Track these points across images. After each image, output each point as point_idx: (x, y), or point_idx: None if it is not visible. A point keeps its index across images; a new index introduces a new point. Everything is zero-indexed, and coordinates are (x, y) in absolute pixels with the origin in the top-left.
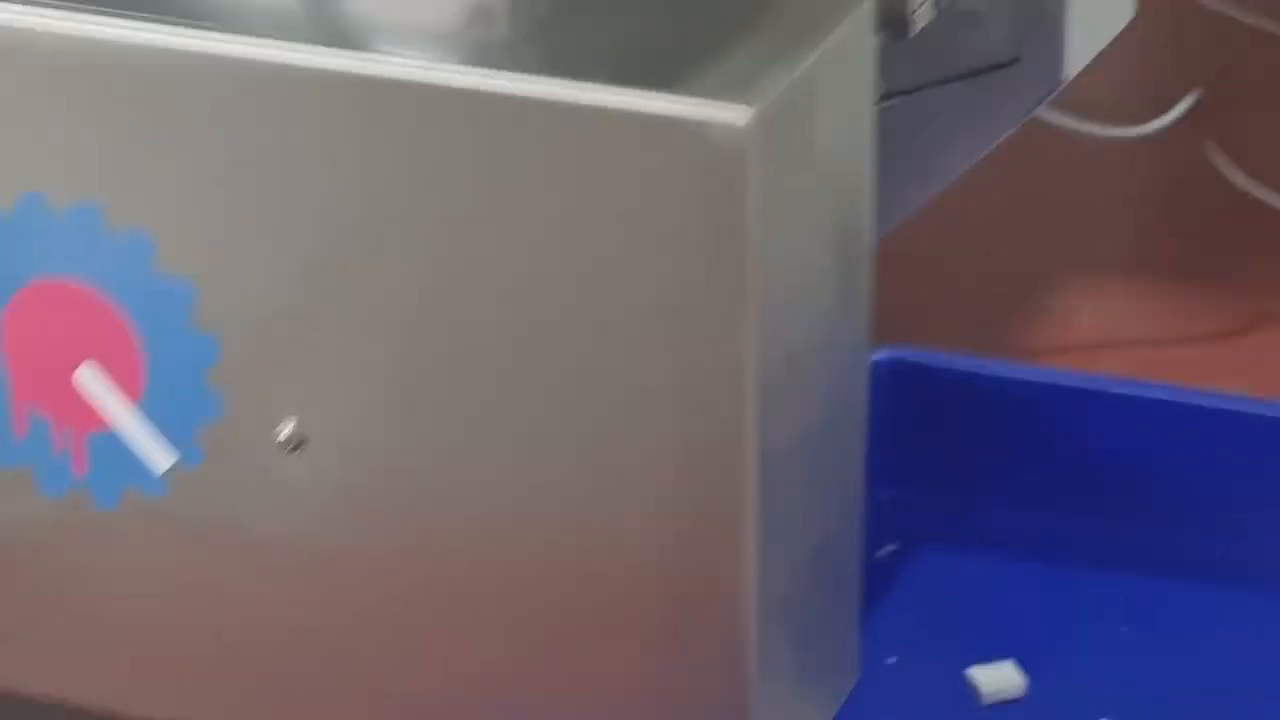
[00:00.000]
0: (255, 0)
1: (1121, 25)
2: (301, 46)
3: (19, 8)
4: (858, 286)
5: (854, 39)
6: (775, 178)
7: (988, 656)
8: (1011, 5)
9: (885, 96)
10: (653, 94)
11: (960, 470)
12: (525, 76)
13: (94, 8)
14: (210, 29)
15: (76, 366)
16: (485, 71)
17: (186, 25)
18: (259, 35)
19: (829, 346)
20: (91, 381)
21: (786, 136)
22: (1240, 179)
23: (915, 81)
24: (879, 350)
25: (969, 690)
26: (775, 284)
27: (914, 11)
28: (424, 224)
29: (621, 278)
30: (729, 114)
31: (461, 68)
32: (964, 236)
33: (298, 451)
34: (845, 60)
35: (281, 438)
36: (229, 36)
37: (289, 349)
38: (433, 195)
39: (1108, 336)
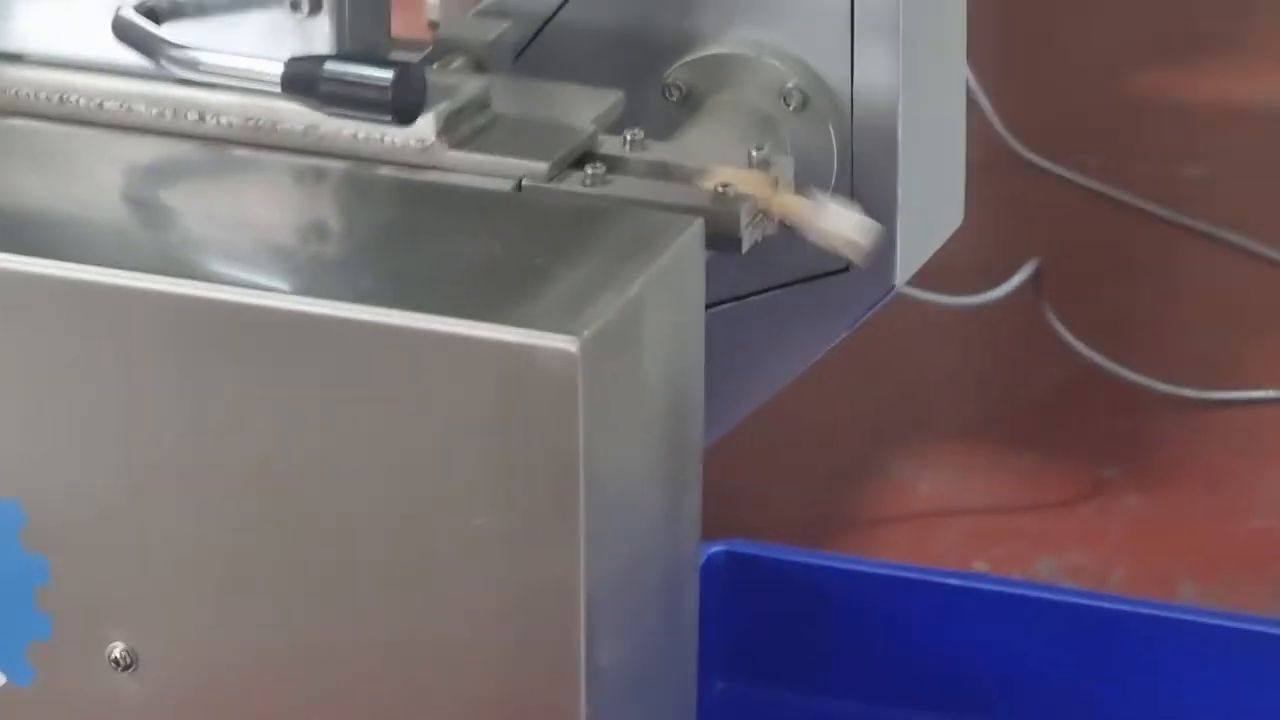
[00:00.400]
0: (95, 220)
1: (951, 230)
2: (126, 271)
3: None
4: (689, 490)
5: (684, 258)
6: (604, 399)
7: None
8: None
9: (717, 302)
10: (484, 322)
11: (795, 661)
12: (355, 304)
13: None
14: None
15: None
16: (316, 299)
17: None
18: (93, 257)
19: (660, 553)
20: None
21: (615, 358)
22: (1079, 345)
23: (746, 288)
24: (714, 543)
25: None
26: (604, 500)
27: (745, 228)
28: (256, 444)
29: (453, 493)
30: (558, 342)
31: (298, 296)
32: (805, 403)
33: (129, 670)
34: (674, 279)
35: (113, 656)
36: (57, 263)
37: (118, 569)
38: (265, 416)
39: (947, 505)
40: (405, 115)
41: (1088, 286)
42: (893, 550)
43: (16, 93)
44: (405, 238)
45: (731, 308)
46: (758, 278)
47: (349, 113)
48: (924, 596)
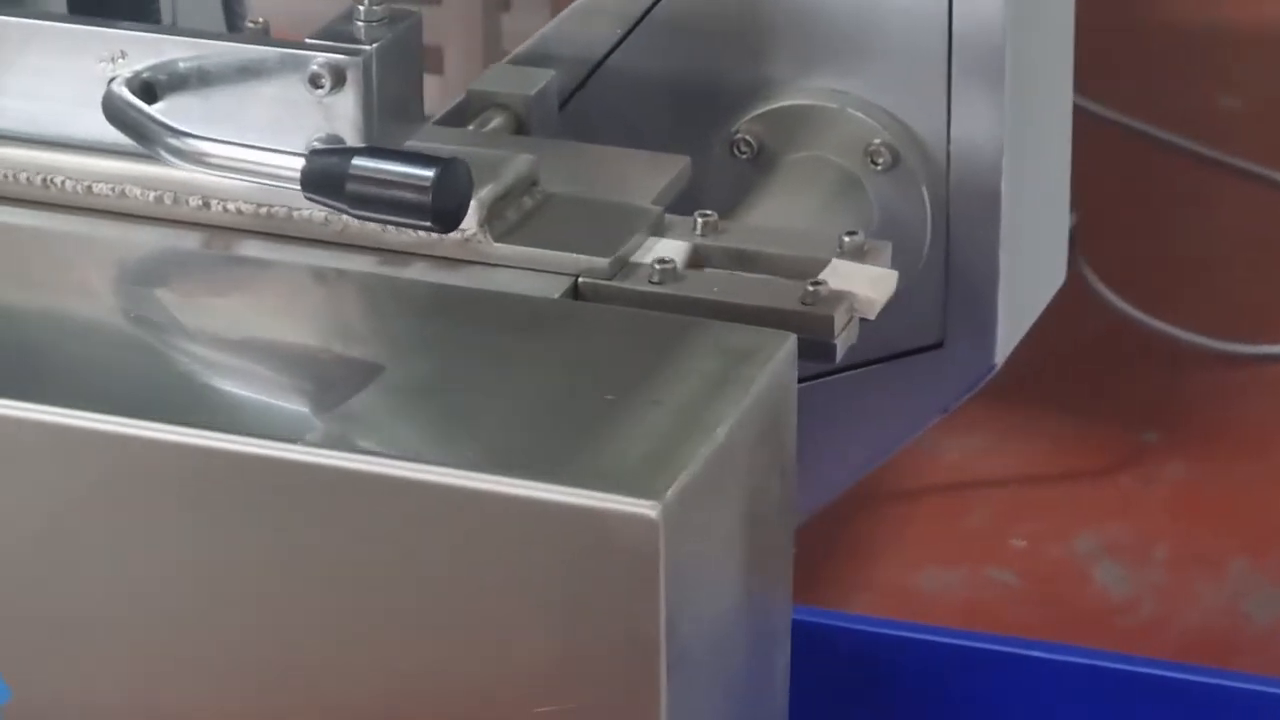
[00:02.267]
0: (86, 344)
1: (1053, 292)
2: (128, 418)
3: None
4: (777, 644)
5: (777, 385)
6: (688, 565)
7: None
8: (935, 287)
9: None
10: (548, 482)
11: None
12: (393, 459)
13: None
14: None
15: None
16: (347, 453)
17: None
18: (87, 399)
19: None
20: None
21: (701, 516)
22: (1115, 299)
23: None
24: None
25: None
26: (689, 678)
27: (840, 334)
28: (282, 616)
29: (513, 677)
30: (637, 507)
31: (327, 450)
32: None
33: None
34: (767, 410)
35: None
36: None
37: None
38: (287, 584)
39: (979, 474)
40: (447, 221)
41: (1122, 235)
42: (923, 526)
43: None
44: (447, 365)
45: (818, 384)
46: (845, 353)
47: (381, 217)
48: (986, 667)
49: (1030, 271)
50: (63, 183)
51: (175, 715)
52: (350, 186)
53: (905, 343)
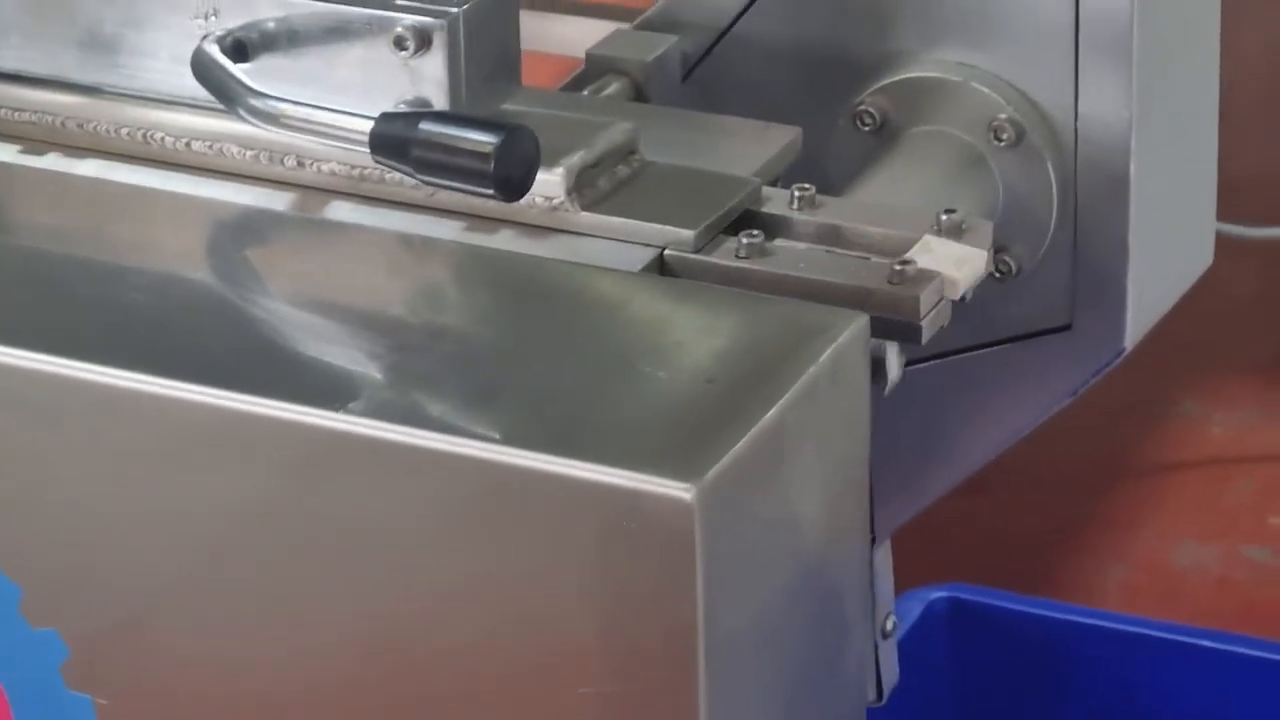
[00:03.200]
0: (168, 309)
1: (1197, 275)
2: (208, 386)
3: None
4: (850, 628)
5: (843, 365)
6: (730, 550)
7: None
8: (1063, 267)
9: (918, 360)
10: (582, 460)
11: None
12: (424, 429)
13: None
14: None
15: None
16: (383, 422)
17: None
18: (167, 366)
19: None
20: None
21: (746, 500)
22: None
23: (957, 343)
24: (934, 588)
25: None
26: (731, 666)
27: (927, 317)
28: (373, 578)
29: (553, 658)
30: (671, 488)
31: (365, 419)
32: None
33: None
34: (830, 390)
35: None
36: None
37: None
38: (341, 558)
39: (1241, 450)
40: (510, 189)
41: None
42: (1181, 500)
43: (95, 128)
44: (509, 338)
45: (941, 364)
46: (970, 333)
47: (445, 183)
48: (1166, 654)
49: (1166, 254)
50: (162, 139)
51: (223, 674)
52: (415, 151)
53: (1033, 324)
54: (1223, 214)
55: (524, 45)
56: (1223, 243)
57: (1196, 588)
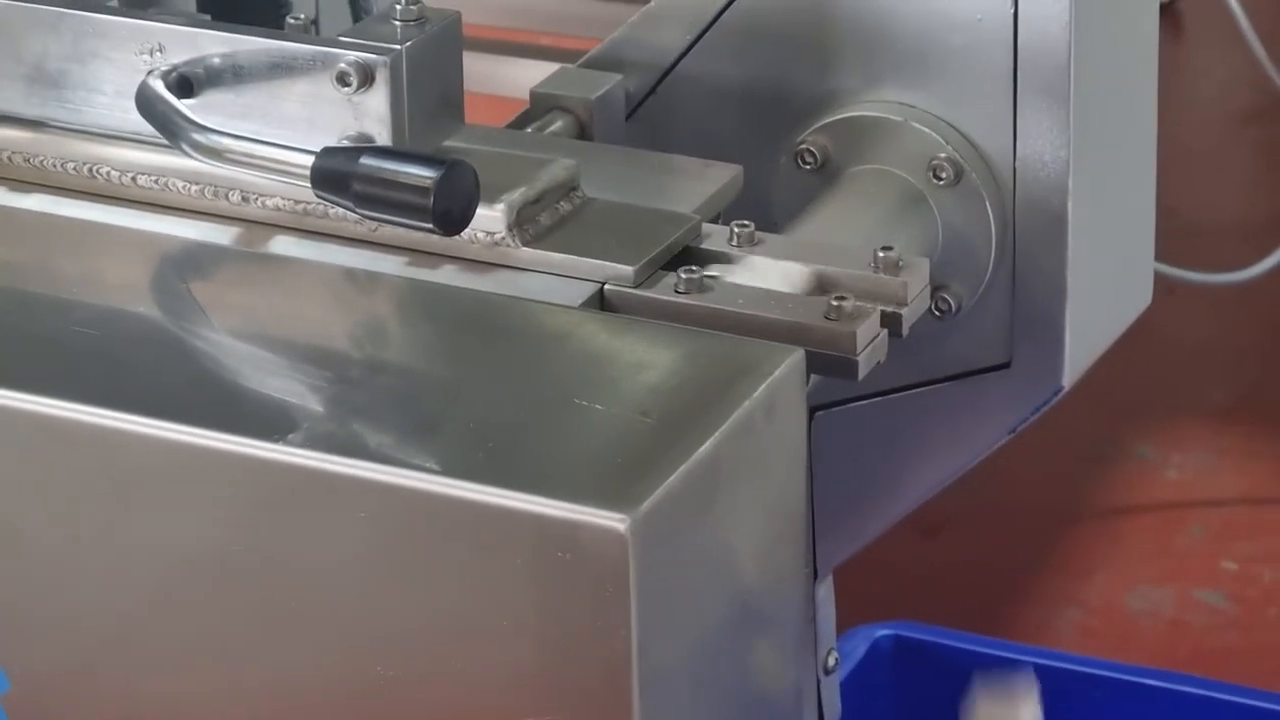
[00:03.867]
0: (118, 344)
1: (1135, 315)
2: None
3: None
4: (791, 659)
5: (778, 399)
6: (666, 581)
7: None
8: (1001, 305)
9: (864, 396)
10: (517, 490)
11: None
12: (367, 461)
13: None
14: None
15: None
16: (324, 454)
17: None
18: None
19: None
20: None
21: (681, 532)
22: None
23: (896, 381)
24: (879, 625)
25: None
26: (668, 698)
27: (863, 352)
28: (312, 610)
29: (492, 690)
30: (605, 519)
31: (307, 451)
32: None
33: None
34: (765, 425)
35: None
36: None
37: None
38: (319, 581)
39: (1195, 493)
40: (449, 224)
41: None
42: (1136, 543)
43: (41, 162)
44: (450, 371)
45: (881, 402)
46: (910, 371)
47: (386, 218)
48: (1117, 694)
49: (1104, 294)
50: (108, 173)
51: (169, 708)
52: (356, 186)
53: (973, 362)
54: (1178, 260)
55: (473, 87)
56: (1178, 288)
57: (1150, 631)
